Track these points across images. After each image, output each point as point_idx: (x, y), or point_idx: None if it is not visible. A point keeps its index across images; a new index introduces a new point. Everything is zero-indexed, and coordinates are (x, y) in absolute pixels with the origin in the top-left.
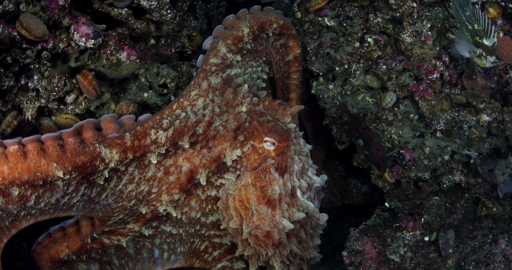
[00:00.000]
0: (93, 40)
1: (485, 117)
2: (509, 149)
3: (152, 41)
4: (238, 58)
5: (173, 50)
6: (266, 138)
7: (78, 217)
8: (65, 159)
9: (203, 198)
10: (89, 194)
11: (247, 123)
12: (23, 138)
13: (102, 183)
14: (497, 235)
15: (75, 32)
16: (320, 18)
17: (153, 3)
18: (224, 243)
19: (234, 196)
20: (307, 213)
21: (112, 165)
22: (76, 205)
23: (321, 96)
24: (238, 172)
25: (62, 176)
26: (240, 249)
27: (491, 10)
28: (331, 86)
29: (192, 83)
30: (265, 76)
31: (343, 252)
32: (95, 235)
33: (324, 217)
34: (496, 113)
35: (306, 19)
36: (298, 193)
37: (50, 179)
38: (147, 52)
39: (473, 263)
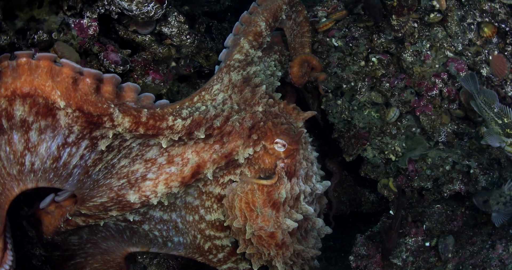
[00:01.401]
0: (122, 67)
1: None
2: (509, 160)
3: (173, 63)
4: (259, 54)
5: (192, 70)
6: (277, 140)
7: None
8: (72, 96)
9: (203, 191)
10: (87, 160)
11: (262, 123)
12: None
13: (103, 149)
14: (495, 241)
15: (105, 59)
16: (328, 39)
17: (173, 30)
18: (225, 245)
19: (241, 197)
20: (305, 215)
21: (119, 129)
22: (73, 173)
23: (330, 111)
24: (253, 170)
25: (62, 106)
26: (242, 247)
27: (486, 29)
28: (339, 102)
29: (215, 77)
30: (279, 73)
31: (350, 257)
32: (67, 216)
33: (319, 222)
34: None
35: (315, 39)
36: (302, 197)
37: (50, 102)
38: (169, 74)
39: (470, 267)
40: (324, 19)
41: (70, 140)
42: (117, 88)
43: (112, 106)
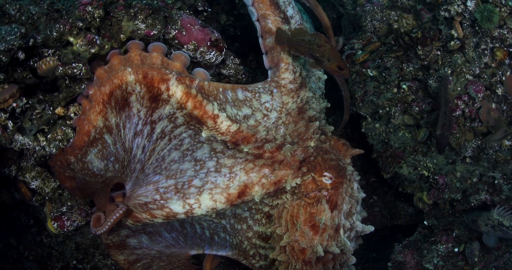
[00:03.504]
0: None
1: (506, 142)
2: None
3: None
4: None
5: None
6: (325, 173)
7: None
8: (141, 68)
9: (253, 207)
10: (146, 153)
11: (312, 157)
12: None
13: (159, 131)
14: None
15: None
16: (364, 69)
17: (231, 71)
18: (268, 255)
19: (288, 210)
20: (342, 250)
21: (173, 101)
22: (135, 169)
23: (369, 134)
24: (295, 196)
25: (132, 79)
26: (276, 253)
27: (498, 53)
28: (377, 125)
29: (261, 86)
30: (321, 84)
31: (388, 263)
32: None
33: (353, 260)
34: None
35: (353, 70)
36: (341, 231)
37: (124, 86)
38: None
39: (493, 269)
40: (360, 52)
41: (138, 128)
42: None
43: (170, 72)
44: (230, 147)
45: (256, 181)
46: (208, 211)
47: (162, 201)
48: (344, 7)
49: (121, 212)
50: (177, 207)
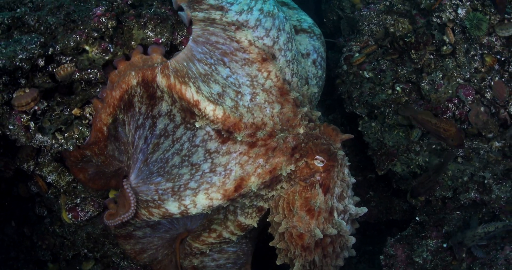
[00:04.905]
0: None
1: (496, 144)
2: None
3: None
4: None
5: None
6: (317, 157)
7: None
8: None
9: (248, 205)
10: (148, 144)
11: (303, 144)
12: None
13: (161, 127)
14: (506, 243)
15: None
16: (361, 71)
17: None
18: (227, 237)
19: (285, 198)
20: (339, 231)
21: (165, 96)
22: (138, 159)
23: (365, 132)
24: (291, 182)
25: (135, 83)
26: (275, 241)
27: (488, 59)
28: (373, 124)
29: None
30: (315, 70)
31: (381, 256)
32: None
33: (352, 240)
34: (504, 140)
35: (350, 71)
36: (335, 213)
37: (130, 91)
38: None
39: (479, 265)
40: (357, 54)
41: (140, 122)
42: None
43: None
44: (224, 137)
45: (252, 172)
46: (204, 210)
47: (159, 202)
48: (343, 11)
49: (131, 213)
50: (173, 208)
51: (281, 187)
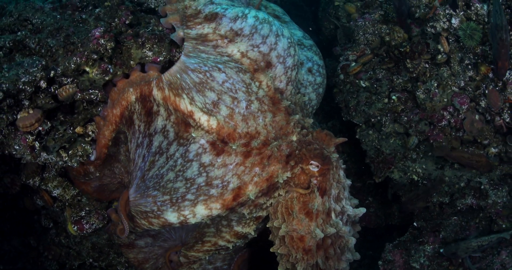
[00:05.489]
0: None
1: (493, 150)
2: None
3: None
4: None
5: None
6: (312, 162)
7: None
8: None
9: (248, 217)
10: (146, 162)
11: (297, 151)
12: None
13: (157, 144)
14: (503, 248)
15: None
16: (357, 80)
17: None
18: (223, 245)
19: (283, 204)
20: (338, 231)
21: (159, 99)
22: (137, 176)
23: (363, 140)
24: (288, 189)
25: (134, 99)
26: (276, 246)
27: (482, 68)
28: (370, 132)
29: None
30: (311, 77)
31: (379, 262)
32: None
33: (352, 241)
34: (500, 146)
35: (347, 80)
36: (333, 214)
37: (129, 107)
38: None
39: (475, 269)
40: (353, 64)
41: (139, 141)
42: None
43: (153, 80)
44: (219, 148)
45: (249, 180)
46: (203, 219)
47: (158, 212)
48: (339, 20)
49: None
50: (172, 218)
51: (279, 194)
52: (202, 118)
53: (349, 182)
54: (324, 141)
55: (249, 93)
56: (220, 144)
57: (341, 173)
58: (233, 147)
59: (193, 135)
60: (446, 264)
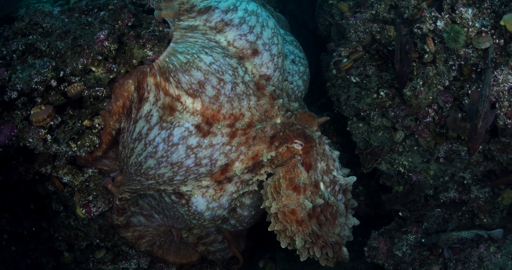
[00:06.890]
0: None
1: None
2: (502, 171)
3: None
4: None
5: None
6: (296, 140)
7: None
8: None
9: (235, 197)
10: (127, 148)
11: (281, 133)
12: None
13: (138, 131)
14: (482, 241)
15: None
16: (348, 76)
17: None
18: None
19: (270, 184)
20: (328, 202)
21: (150, 84)
22: (125, 162)
23: (353, 132)
24: (273, 166)
25: (133, 89)
26: (272, 224)
27: (465, 69)
28: (361, 125)
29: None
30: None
31: (365, 248)
32: (118, 195)
33: (341, 207)
34: (484, 144)
35: (339, 75)
36: (321, 185)
37: (130, 97)
38: None
39: (454, 260)
40: (345, 60)
41: (130, 128)
42: None
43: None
44: (205, 130)
45: (235, 158)
46: (193, 188)
47: (148, 188)
48: (333, 18)
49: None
50: (167, 187)
51: (265, 172)
52: (188, 101)
53: (337, 152)
54: (308, 121)
55: (235, 76)
56: (205, 126)
57: (326, 147)
58: (218, 127)
59: (179, 116)
60: (427, 253)
